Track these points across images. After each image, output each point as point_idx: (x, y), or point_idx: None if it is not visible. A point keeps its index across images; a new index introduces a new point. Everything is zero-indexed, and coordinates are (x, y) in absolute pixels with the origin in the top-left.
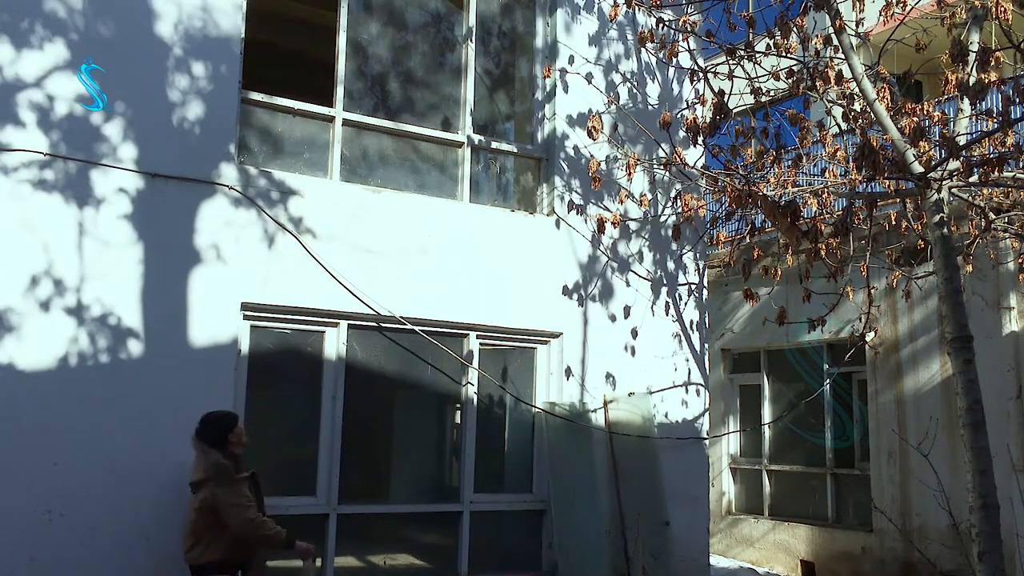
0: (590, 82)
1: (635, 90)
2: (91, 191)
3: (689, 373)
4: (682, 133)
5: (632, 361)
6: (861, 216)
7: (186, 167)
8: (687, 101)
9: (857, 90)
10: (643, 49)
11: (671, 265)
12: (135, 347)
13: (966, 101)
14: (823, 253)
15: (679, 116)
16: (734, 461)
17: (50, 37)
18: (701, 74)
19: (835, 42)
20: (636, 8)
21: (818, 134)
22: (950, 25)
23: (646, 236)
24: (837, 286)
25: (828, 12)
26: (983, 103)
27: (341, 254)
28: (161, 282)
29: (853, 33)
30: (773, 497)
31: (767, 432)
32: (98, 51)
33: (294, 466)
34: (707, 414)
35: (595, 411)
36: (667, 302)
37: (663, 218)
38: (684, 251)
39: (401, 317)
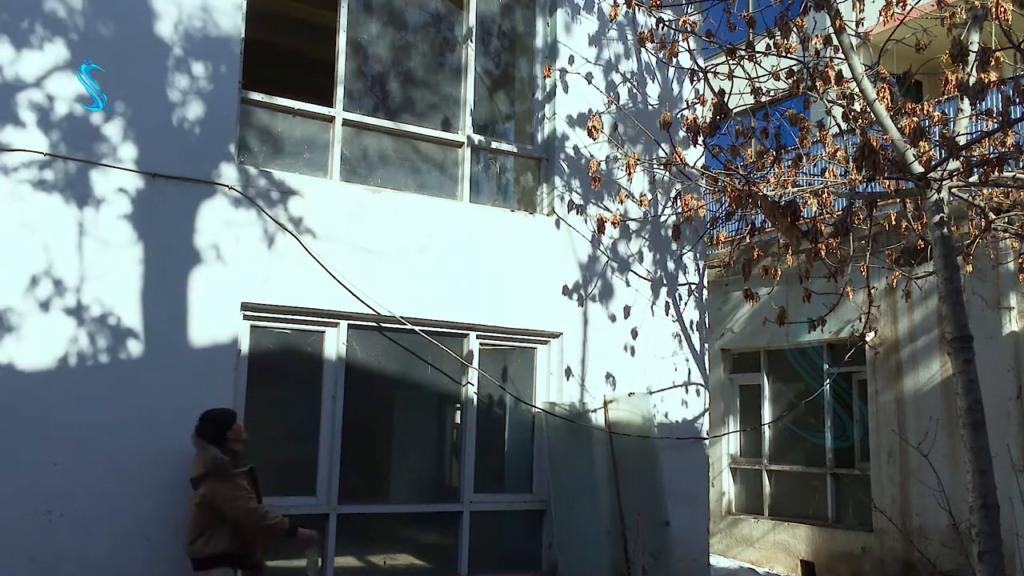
0: (590, 82)
1: (635, 90)
2: (91, 191)
3: (689, 373)
4: (682, 133)
5: (632, 361)
6: (861, 216)
7: (186, 167)
8: (687, 101)
9: (857, 90)
10: (643, 49)
11: (671, 265)
12: (135, 347)
13: (966, 101)
14: (823, 253)
15: (679, 116)
16: (734, 461)
17: (50, 37)
18: (701, 74)
19: (835, 42)
20: (636, 8)
21: (818, 134)
22: (950, 25)
23: (646, 236)
24: (837, 286)
25: (828, 12)
26: (983, 103)
27: (341, 254)
28: (161, 282)
29: (853, 33)
30: (773, 497)
31: (767, 432)
32: (98, 51)
33: (294, 466)
34: (707, 414)
35: (595, 411)
36: (667, 302)
37: (663, 218)
38: (684, 251)
39: (401, 317)
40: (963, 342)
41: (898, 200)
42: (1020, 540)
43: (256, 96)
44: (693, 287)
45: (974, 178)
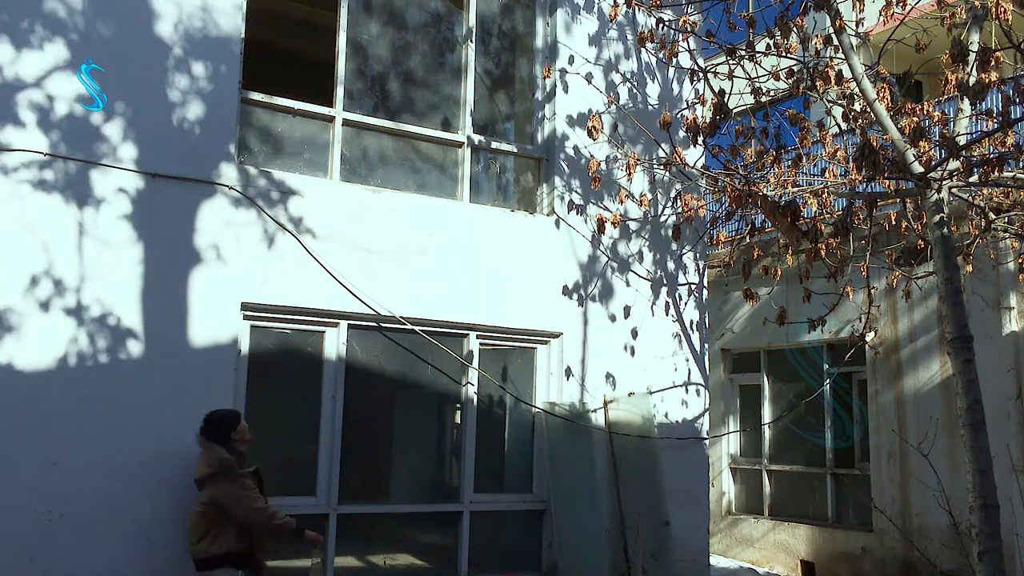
0: (590, 82)
1: (635, 90)
2: (91, 191)
3: (689, 373)
4: (682, 133)
5: (632, 361)
6: (861, 216)
7: (186, 167)
8: (687, 101)
9: (857, 90)
10: (643, 49)
11: (671, 265)
12: (135, 347)
13: (966, 101)
14: (823, 253)
15: (679, 116)
16: (734, 461)
17: (50, 37)
18: (701, 74)
19: (835, 42)
20: (636, 8)
21: (818, 134)
22: (950, 25)
23: (646, 236)
24: (837, 286)
25: (828, 12)
26: (983, 103)
27: (341, 254)
28: (161, 282)
29: (853, 33)
30: (773, 497)
31: (767, 432)
32: (98, 51)
33: (294, 466)
34: (707, 414)
35: (595, 411)
36: (667, 302)
37: (663, 218)
38: (684, 251)
39: (401, 317)
40: (963, 342)
41: (898, 200)
42: (1020, 540)
43: (256, 96)
44: (693, 287)
45: (974, 178)
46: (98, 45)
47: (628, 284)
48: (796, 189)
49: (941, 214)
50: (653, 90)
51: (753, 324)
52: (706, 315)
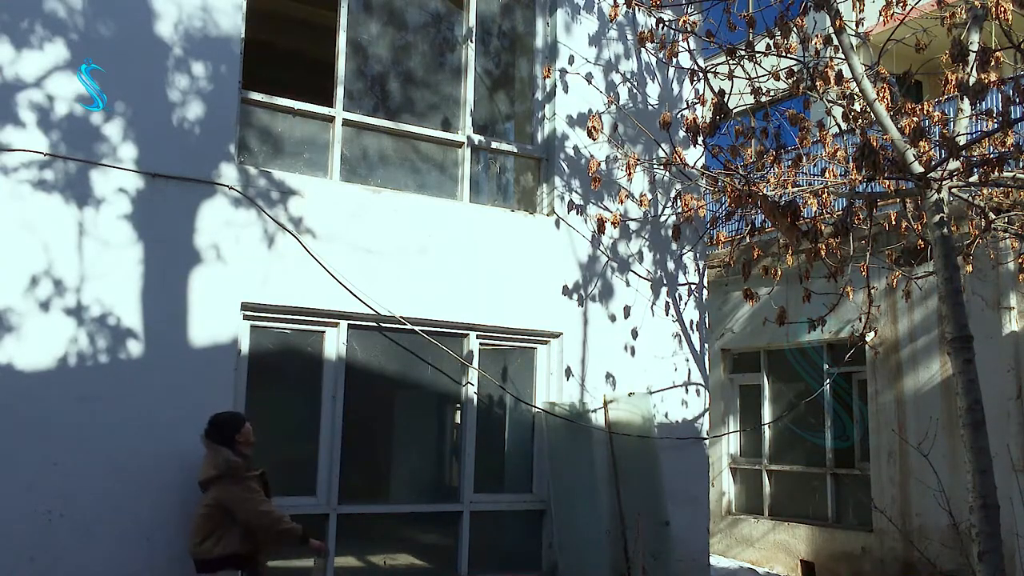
0: (590, 82)
1: (635, 90)
2: (91, 191)
3: (689, 373)
4: (682, 133)
5: (632, 361)
6: (861, 216)
7: (186, 167)
8: (687, 101)
9: (857, 90)
10: (643, 49)
11: (671, 265)
12: (135, 347)
13: (966, 101)
14: (823, 253)
15: (679, 116)
16: (734, 461)
17: (50, 37)
18: (701, 74)
19: (835, 42)
20: (636, 8)
21: (818, 134)
22: (950, 25)
23: (646, 236)
24: (837, 286)
25: (828, 12)
26: (983, 103)
27: (341, 254)
28: (161, 282)
29: (853, 33)
30: (773, 497)
31: (767, 432)
32: (98, 51)
33: (294, 466)
34: (707, 414)
35: (595, 411)
36: (667, 302)
37: (663, 218)
38: (684, 251)
39: (401, 317)
40: (963, 342)
41: (898, 200)
42: (1020, 540)
43: (256, 96)
44: (693, 287)
45: (974, 178)
46: (98, 45)
47: (628, 284)
48: (796, 189)
49: (941, 214)
50: (653, 90)
51: (753, 324)
52: (706, 315)
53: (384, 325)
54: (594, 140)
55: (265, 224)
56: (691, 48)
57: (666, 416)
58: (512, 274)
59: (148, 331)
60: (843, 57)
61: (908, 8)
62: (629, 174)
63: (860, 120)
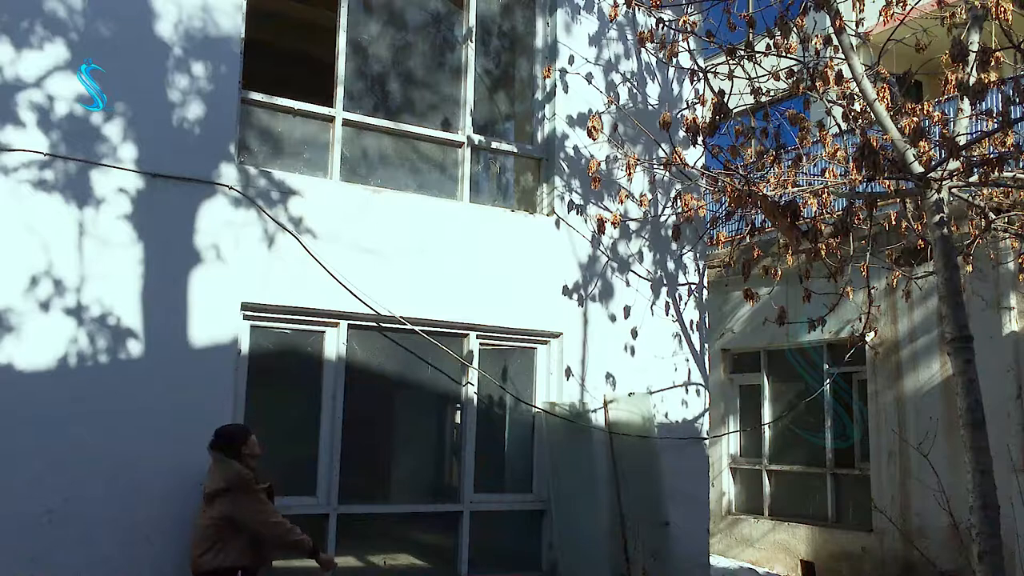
0: (590, 82)
1: (635, 90)
2: (91, 191)
3: (689, 373)
4: (682, 133)
5: (632, 361)
6: (861, 216)
7: (186, 167)
8: (687, 101)
9: (857, 90)
10: (643, 49)
11: (671, 265)
12: (135, 348)
13: (966, 101)
14: (823, 253)
15: (679, 116)
16: (734, 461)
17: (50, 37)
18: (701, 74)
19: (835, 42)
20: (636, 8)
21: (818, 134)
22: (950, 25)
23: (646, 236)
24: (837, 286)
25: (828, 12)
26: (983, 103)
27: (341, 254)
28: (161, 282)
29: (853, 33)
30: (773, 497)
31: (767, 432)
32: (98, 51)
33: (294, 466)
34: (707, 414)
35: (595, 411)
36: (667, 302)
37: (663, 218)
38: (684, 251)
39: (401, 317)
40: (963, 342)
41: (898, 200)
42: (1020, 540)
43: (256, 96)
44: (693, 287)
45: (974, 178)
46: (98, 45)
47: (628, 284)
48: (796, 189)
49: (941, 214)
50: (653, 90)
51: (753, 324)
52: (706, 315)
53: (384, 325)
54: (594, 140)
55: (265, 224)
56: (691, 48)
57: (666, 416)
58: (512, 274)
59: (148, 331)
60: (843, 57)
61: (908, 8)
62: (629, 174)
63: (860, 120)
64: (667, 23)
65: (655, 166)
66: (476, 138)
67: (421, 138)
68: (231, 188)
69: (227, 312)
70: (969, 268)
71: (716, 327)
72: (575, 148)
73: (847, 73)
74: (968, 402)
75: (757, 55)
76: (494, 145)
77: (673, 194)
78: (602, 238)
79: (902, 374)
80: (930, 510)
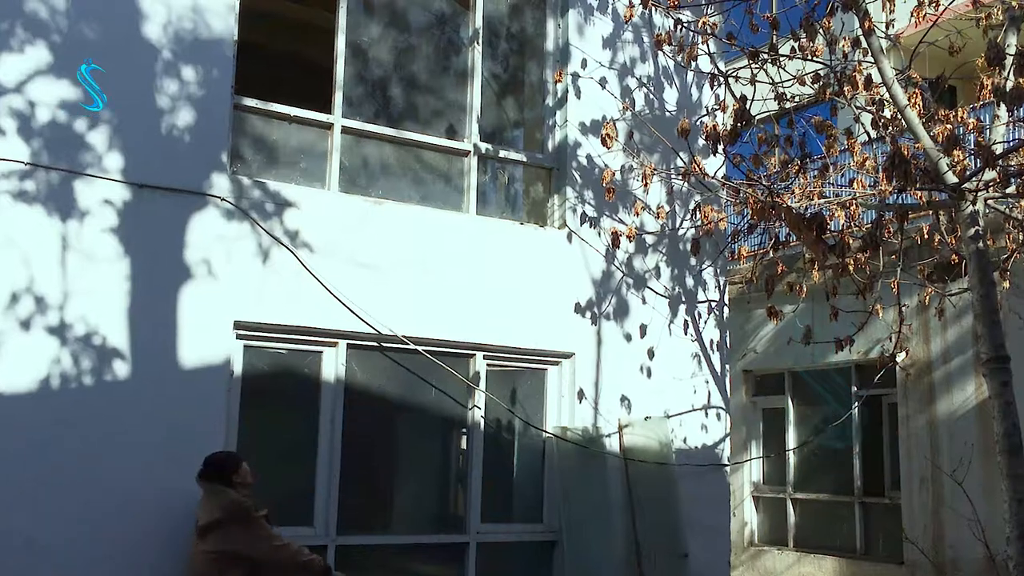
0: (604, 87)
1: (652, 96)
2: (75, 202)
3: (709, 396)
4: (701, 141)
5: (648, 383)
6: (891, 229)
7: (175, 177)
8: (707, 107)
9: (887, 95)
10: (660, 52)
11: (690, 281)
12: (121, 368)
13: (1003, 107)
14: (851, 269)
15: (698, 123)
16: (757, 489)
17: (31, 40)
18: (722, 79)
19: (864, 44)
20: (653, 9)
21: (846, 142)
22: (986, 27)
23: (663, 251)
24: (866, 304)
25: (856, 13)
26: (1021, 109)
27: (340, 269)
28: (149, 299)
29: (883, 35)
30: (798, 527)
31: (792, 458)
32: (82, 54)
33: (290, 494)
34: (728, 439)
35: (609, 436)
36: (686, 321)
37: (681, 231)
38: (704, 267)
39: (403, 336)
40: (999, 363)
41: (931, 212)
42: None
43: (250, 102)
44: (713, 305)
45: (1011, 188)
46: (82, 48)
47: (644, 301)
48: (822, 201)
49: (976, 227)
50: (671, 96)
51: (777, 344)
52: (727, 334)
53: (385, 345)
54: (608, 149)
55: (259, 238)
56: (711, 51)
57: (684, 441)
58: (521, 291)
59: (135, 351)
60: (872, 60)
61: (941, 9)
62: (645, 185)
63: (890, 127)
64: (686, 24)
65: (673, 176)
66: (483, 146)
67: (425, 146)
68: (223, 199)
69: (219, 331)
70: (1006, 284)
71: (738, 347)
72: (588, 157)
73: (876, 77)
74: (1005, 426)
75: (781, 58)
76: (502, 154)
77: (692, 206)
78: (617, 253)
79: (935, 397)
80: (964, 541)
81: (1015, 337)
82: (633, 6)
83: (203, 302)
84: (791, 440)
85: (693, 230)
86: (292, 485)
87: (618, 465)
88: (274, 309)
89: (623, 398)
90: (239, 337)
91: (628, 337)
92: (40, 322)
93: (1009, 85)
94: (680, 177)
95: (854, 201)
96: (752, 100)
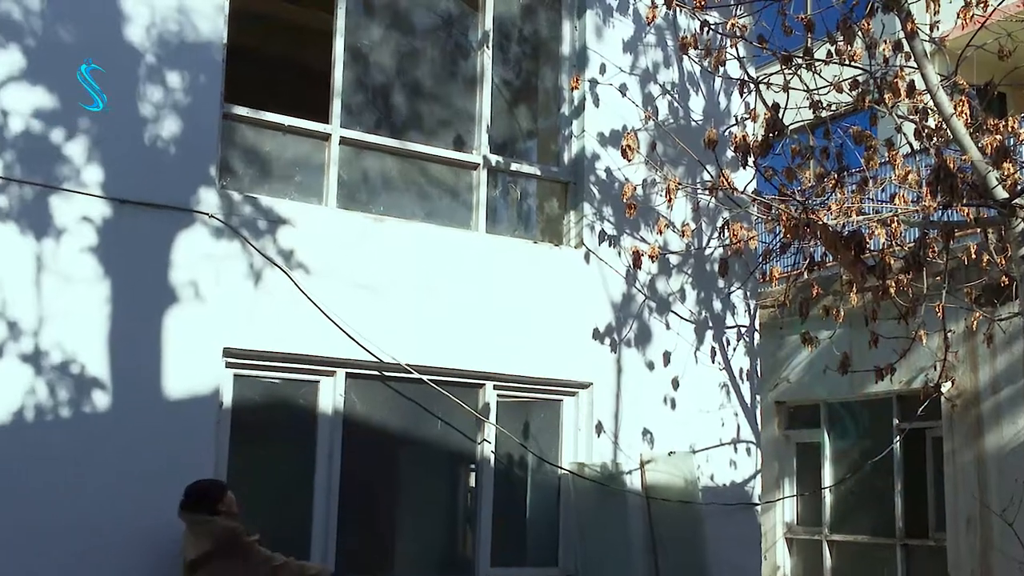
0: (624, 94)
1: (676, 104)
2: (51, 219)
3: (738, 429)
4: (730, 153)
5: (673, 415)
6: (936, 248)
7: (160, 192)
8: (736, 116)
9: (931, 104)
10: (685, 56)
11: (718, 305)
12: (101, 399)
13: None
14: (892, 291)
15: (727, 134)
16: (790, 530)
17: (3, 43)
18: (752, 85)
19: (906, 48)
20: (677, 10)
21: (887, 154)
22: None
23: (689, 272)
24: (908, 329)
25: (898, 14)
26: None
27: (338, 292)
28: (131, 324)
29: (927, 38)
30: (835, 572)
31: (828, 497)
32: (58, 59)
33: (284, 535)
34: (759, 476)
35: (630, 473)
36: (713, 348)
37: (708, 251)
38: (733, 289)
39: (407, 365)
40: None
41: (979, 230)
42: None
43: (240, 110)
44: (743, 330)
45: None
46: (59, 52)
47: (668, 327)
48: (861, 218)
49: None
50: (697, 104)
51: (812, 373)
52: (758, 362)
53: (387, 374)
54: (629, 161)
55: (251, 258)
56: (741, 55)
57: (712, 479)
58: (535, 315)
59: (116, 381)
60: (915, 66)
61: (990, 10)
62: (669, 200)
63: (935, 138)
64: (713, 27)
65: (699, 191)
66: (493, 159)
67: (430, 159)
68: (211, 216)
69: (207, 359)
70: None
71: (769, 376)
72: (607, 170)
73: (920, 84)
74: None
75: (816, 63)
76: (514, 167)
77: (720, 223)
78: (638, 274)
79: (983, 430)
80: None
81: None
82: (656, 7)
83: (190, 327)
84: (827, 477)
85: (721, 249)
86: (286, 526)
87: (640, 504)
88: (267, 335)
89: (645, 431)
90: (229, 365)
91: (651, 365)
92: (13, 349)
93: None
94: (707, 192)
95: (895, 218)
96: (785, 108)
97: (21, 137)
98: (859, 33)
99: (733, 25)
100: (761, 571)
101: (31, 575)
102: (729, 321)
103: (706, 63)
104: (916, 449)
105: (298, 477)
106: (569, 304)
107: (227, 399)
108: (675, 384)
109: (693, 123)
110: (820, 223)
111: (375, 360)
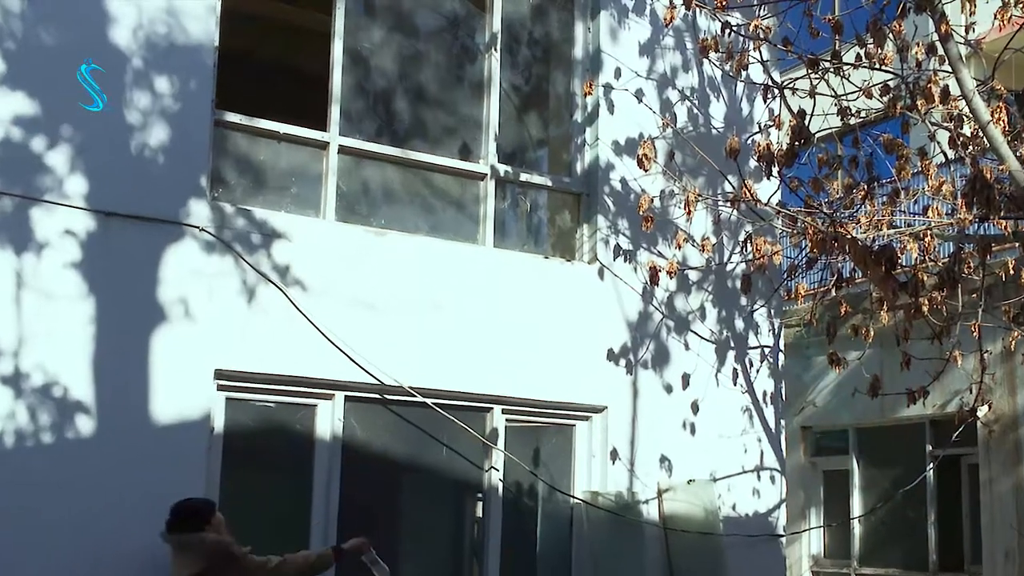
0: (641, 100)
1: (696, 110)
2: (31, 233)
3: (761, 456)
4: (753, 163)
5: (692, 441)
6: (972, 264)
7: (147, 204)
8: (759, 124)
9: (967, 110)
10: (705, 60)
11: (740, 324)
12: (85, 424)
13: None
14: (925, 310)
15: (749, 142)
16: (817, 563)
17: None
18: (777, 90)
19: (940, 51)
20: (697, 10)
21: (919, 164)
22: None
23: (709, 289)
24: (942, 350)
25: (932, 15)
26: None
27: (337, 310)
28: (117, 344)
29: (962, 41)
30: None
31: (857, 528)
32: (40, 62)
33: None
34: (784, 506)
35: (647, 502)
36: (735, 369)
37: (730, 267)
38: (756, 307)
39: (410, 387)
40: None
41: (1017, 244)
42: None
43: (233, 118)
44: (767, 351)
45: None
46: (40, 55)
47: (687, 347)
48: (893, 231)
49: None
50: (718, 110)
51: (840, 396)
52: (782, 385)
53: (389, 397)
54: (645, 171)
55: (244, 274)
56: (764, 59)
57: (734, 508)
58: (546, 335)
59: (101, 404)
60: (950, 70)
61: None
62: (688, 213)
63: (971, 147)
64: (735, 28)
65: (720, 203)
66: (502, 169)
67: (434, 169)
68: (202, 229)
69: (197, 381)
70: None
71: (794, 400)
72: (622, 181)
73: (955, 89)
74: None
75: (845, 67)
76: (523, 177)
77: (742, 237)
78: (655, 291)
79: (1022, 457)
80: None
81: None
82: (675, 7)
83: (179, 348)
84: (856, 507)
85: (743, 265)
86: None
87: (657, 535)
88: (261, 356)
89: (663, 458)
90: (220, 388)
91: (669, 388)
92: None
93: None
94: (728, 204)
95: (929, 232)
96: (811, 115)
97: (0, 146)
98: (890, 35)
99: (756, 26)
100: None
101: None
102: (752, 341)
103: (728, 67)
104: (951, 477)
105: (294, 507)
106: (582, 323)
107: (219, 424)
108: (695, 408)
109: (714, 131)
110: (849, 237)
111: (376, 383)
